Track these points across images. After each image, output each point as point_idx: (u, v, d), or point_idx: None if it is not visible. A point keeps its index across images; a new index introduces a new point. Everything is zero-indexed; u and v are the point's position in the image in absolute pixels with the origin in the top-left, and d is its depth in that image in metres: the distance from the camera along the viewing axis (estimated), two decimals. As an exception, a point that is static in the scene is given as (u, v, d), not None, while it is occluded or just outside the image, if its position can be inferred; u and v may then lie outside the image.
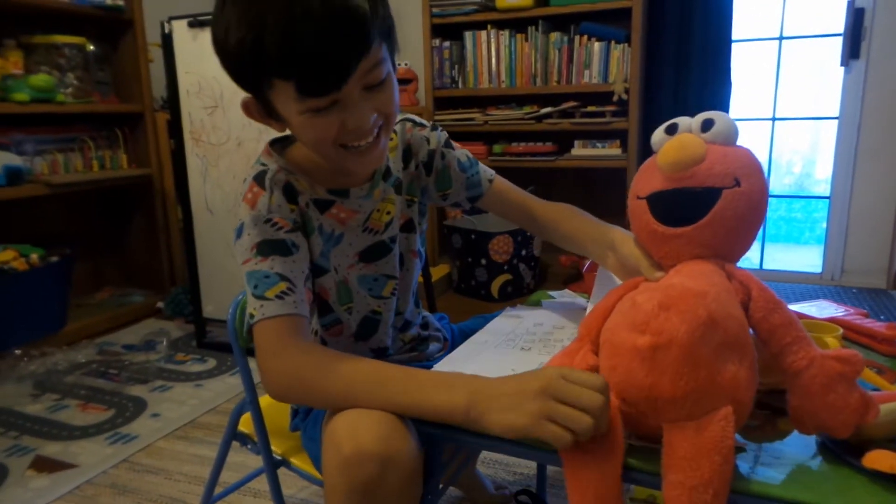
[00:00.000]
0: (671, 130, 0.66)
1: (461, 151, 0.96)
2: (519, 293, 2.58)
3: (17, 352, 2.08)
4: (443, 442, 0.71)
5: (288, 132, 0.79)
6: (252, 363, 0.92)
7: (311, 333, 0.83)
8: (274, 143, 0.83)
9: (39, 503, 1.35)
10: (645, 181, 0.67)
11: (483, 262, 2.55)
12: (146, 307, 2.57)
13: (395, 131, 0.90)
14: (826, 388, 0.55)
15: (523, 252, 2.56)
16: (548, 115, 2.62)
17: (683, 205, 0.63)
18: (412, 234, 0.93)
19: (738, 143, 0.66)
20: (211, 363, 2.09)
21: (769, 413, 0.67)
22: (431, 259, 2.88)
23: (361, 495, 0.61)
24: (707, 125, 0.64)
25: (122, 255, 2.77)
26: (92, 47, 2.46)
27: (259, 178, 0.77)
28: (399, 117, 0.92)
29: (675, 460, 0.54)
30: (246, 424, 0.97)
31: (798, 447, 0.61)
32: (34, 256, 2.12)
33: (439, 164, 0.94)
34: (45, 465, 1.50)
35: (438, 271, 2.77)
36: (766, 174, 0.64)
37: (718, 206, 0.61)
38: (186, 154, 2.11)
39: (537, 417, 0.57)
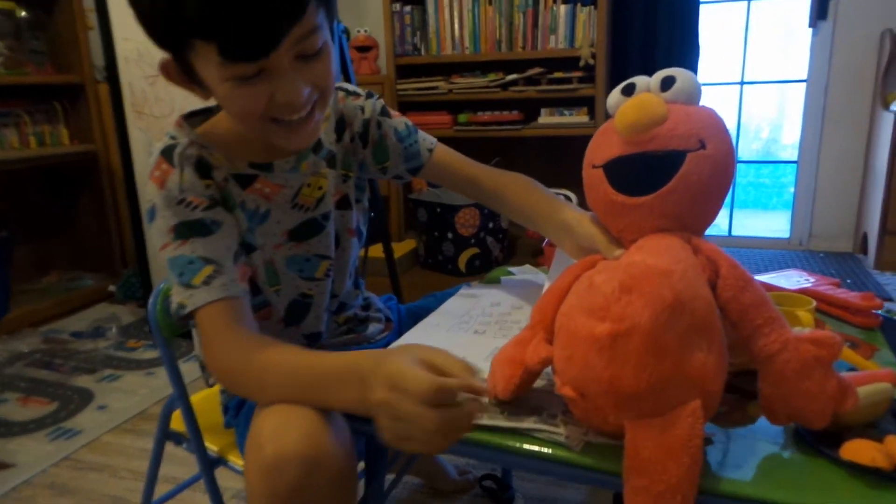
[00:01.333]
0: (628, 91, 0.60)
1: (399, 120, 0.89)
2: (487, 267, 2.52)
3: (-46, 343, 1.96)
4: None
5: (210, 103, 0.73)
6: (188, 355, 0.85)
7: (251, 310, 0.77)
8: (189, 117, 0.76)
9: (-28, 507, 1.26)
10: (601, 148, 0.61)
11: (449, 235, 2.48)
12: (97, 291, 2.45)
13: None
14: (800, 373, 0.50)
15: (490, 225, 2.49)
16: (513, 83, 2.54)
17: (644, 171, 0.57)
18: (348, 210, 0.86)
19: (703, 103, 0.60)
20: (165, 349, 2.00)
21: (738, 397, 0.62)
22: (396, 234, 2.80)
23: (285, 502, 0.55)
24: (667, 83, 0.59)
25: (71, 236, 2.62)
26: (23, 13, 2.28)
27: (167, 153, 0.71)
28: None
29: (639, 462, 0.48)
30: (179, 422, 0.90)
31: (770, 436, 0.56)
32: (-33, 241, 1.98)
33: (375, 135, 0.87)
34: (-19, 465, 1.41)
35: (404, 247, 2.69)
36: (731, 136, 0.59)
37: (682, 170, 0.55)
38: (128, 127, 1.97)
39: (393, 436, 0.54)
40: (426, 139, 0.90)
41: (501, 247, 2.58)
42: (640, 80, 0.61)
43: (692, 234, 0.58)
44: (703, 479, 0.49)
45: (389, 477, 1.06)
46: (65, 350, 2.01)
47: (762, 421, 0.57)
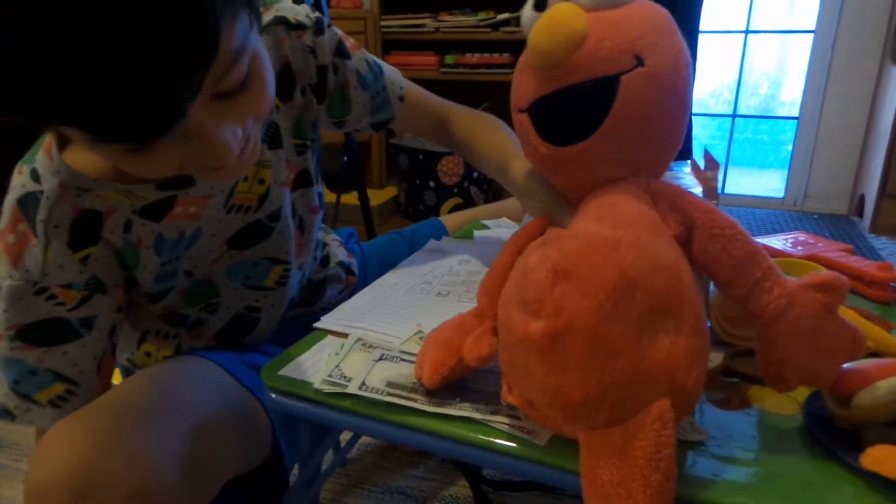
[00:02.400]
0: (541, 5, 0.44)
1: (358, 57, 0.70)
2: (470, 218, 2.42)
3: None
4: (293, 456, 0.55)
5: None
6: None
7: None
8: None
9: None
10: (521, 86, 0.46)
11: (431, 184, 2.37)
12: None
13: None
14: (815, 330, 0.40)
15: (475, 174, 2.38)
16: (505, 23, 2.38)
17: (571, 112, 0.43)
18: (309, 188, 0.71)
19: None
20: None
21: (738, 382, 0.53)
22: (377, 181, 2.68)
23: None
24: None
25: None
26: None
27: (25, 207, 0.51)
28: (268, 16, 0.63)
29: (598, 487, 0.38)
30: (118, 378, 0.81)
31: (773, 434, 0.46)
32: None
33: (332, 84, 0.69)
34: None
35: (384, 194, 2.57)
36: (679, 36, 0.43)
37: (618, 101, 0.41)
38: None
39: None
40: (394, 83, 0.73)
41: (486, 197, 2.47)
42: None
43: (650, 176, 0.45)
44: (685, 486, 0.40)
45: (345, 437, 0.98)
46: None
47: (764, 416, 0.48)
